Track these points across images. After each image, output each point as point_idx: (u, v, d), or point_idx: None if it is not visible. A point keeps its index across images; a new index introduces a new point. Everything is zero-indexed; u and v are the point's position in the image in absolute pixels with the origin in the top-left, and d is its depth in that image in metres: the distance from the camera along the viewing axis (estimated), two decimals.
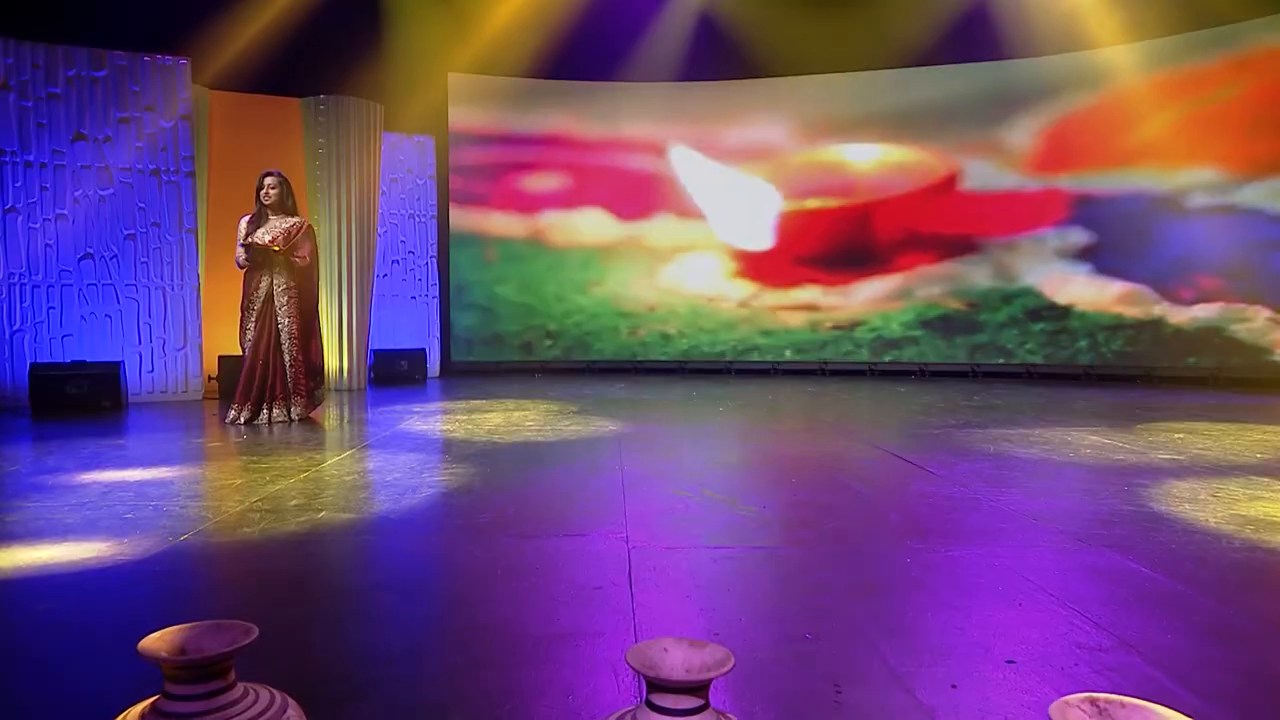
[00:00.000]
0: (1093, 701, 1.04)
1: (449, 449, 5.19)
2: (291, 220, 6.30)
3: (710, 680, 1.14)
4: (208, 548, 2.98)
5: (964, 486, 4.00)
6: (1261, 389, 8.83)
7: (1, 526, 3.24)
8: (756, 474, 4.75)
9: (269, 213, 6.25)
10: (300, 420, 6.27)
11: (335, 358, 8.76)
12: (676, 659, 1.19)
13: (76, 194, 7.33)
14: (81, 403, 6.90)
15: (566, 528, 3.23)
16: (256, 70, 8.58)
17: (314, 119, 8.95)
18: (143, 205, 7.61)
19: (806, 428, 6.29)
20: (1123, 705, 1.03)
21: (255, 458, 4.81)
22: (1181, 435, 5.65)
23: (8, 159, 7.08)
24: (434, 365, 10.50)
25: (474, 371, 11.18)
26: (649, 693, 1.17)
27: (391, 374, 9.55)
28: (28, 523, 3.30)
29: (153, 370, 7.69)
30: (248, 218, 6.24)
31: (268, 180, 6.25)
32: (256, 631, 1.25)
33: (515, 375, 10.86)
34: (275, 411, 6.22)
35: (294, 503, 3.63)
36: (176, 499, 3.74)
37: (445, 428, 6.09)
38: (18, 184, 7.13)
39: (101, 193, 7.44)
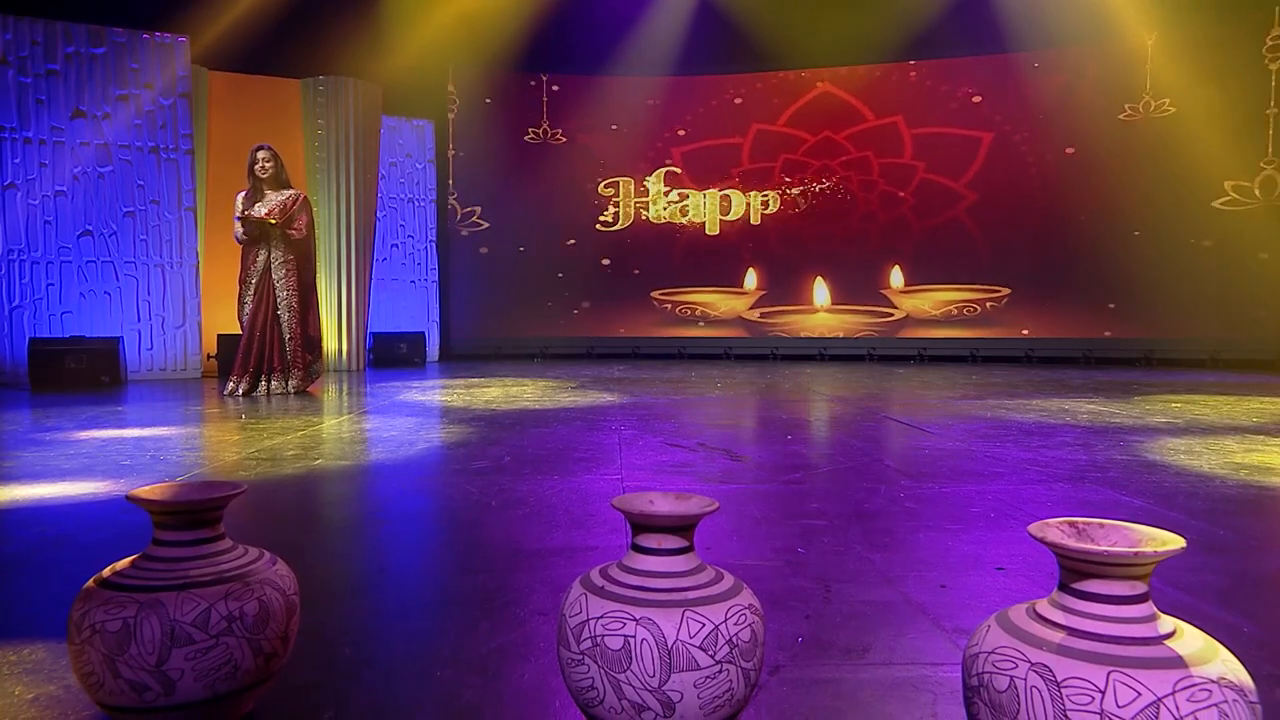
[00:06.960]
0: (1071, 524, 1.05)
1: (446, 414, 5.20)
2: (287, 193, 6.30)
3: (695, 519, 1.15)
4: None
5: (960, 442, 4.01)
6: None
7: None
8: (753, 433, 4.75)
9: (264, 186, 6.25)
10: (298, 393, 6.28)
11: (334, 340, 8.77)
12: (662, 507, 1.19)
13: (75, 170, 7.34)
14: (80, 378, 6.91)
15: (562, 471, 3.24)
16: (255, 51, 8.56)
17: (313, 100, 8.96)
18: (141, 183, 7.62)
19: (803, 398, 6.30)
20: (1101, 526, 1.04)
21: (253, 420, 4.82)
22: (1179, 404, 5.66)
23: (6, 135, 7.09)
24: (433, 349, 10.50)
25: (473, 355, 11.18)
26: (635, 535, 1.17)
27: (390, 356, 9.55)
28: (24, 468, 3.31)
29: (152, 348, 7.70)
30: (244, 194, 6.25)
31: (260, 154, 6.25)
32: (244, 487, 1.26)
33: (515, 360, 10.85)
34: (273, 383, 6.23)
35: (290, 453, 3.64)
36: (174, 451, 3.75)
37: (443, 399, 6.10)
38: (16, 160, 7.13)
39: (100, 169, 7.45)
